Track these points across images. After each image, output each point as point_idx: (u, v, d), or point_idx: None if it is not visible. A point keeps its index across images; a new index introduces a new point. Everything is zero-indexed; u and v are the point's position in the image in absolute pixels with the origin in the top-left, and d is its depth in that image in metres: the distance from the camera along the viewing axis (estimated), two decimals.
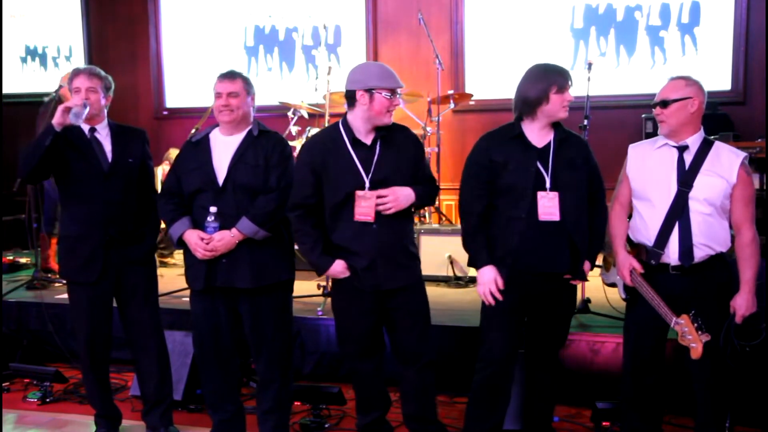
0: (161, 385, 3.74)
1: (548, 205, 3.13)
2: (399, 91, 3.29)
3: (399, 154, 3.32)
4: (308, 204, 3.28)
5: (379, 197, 3.22)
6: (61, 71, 8.39)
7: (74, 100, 3.44)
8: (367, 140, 3.30)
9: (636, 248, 3.16)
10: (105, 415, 3.78)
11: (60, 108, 3.39)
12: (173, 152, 6.56)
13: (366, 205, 3.23)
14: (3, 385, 4.54)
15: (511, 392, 3.39)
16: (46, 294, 5.25)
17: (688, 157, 3.06)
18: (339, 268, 3.27)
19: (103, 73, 3.58)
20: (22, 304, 5.08)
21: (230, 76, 3.39)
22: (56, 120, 3.38)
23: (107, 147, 3.56)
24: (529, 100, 3.17)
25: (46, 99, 5.79)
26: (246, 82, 3.40)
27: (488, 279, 3.18)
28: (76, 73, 3.55)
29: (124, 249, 3.57)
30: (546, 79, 3.14)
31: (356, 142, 3.28)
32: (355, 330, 3.37)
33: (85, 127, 3.55)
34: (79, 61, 8.44)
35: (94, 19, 8.47)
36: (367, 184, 3.23)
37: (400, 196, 3.25)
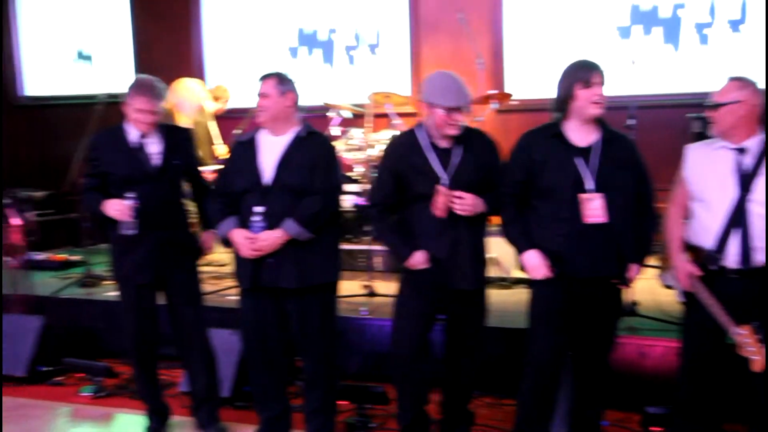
0: (208, 382, 3.81)
1: (593, 207, 3.12)
2: (463, 105, 3.29)
3: (476, 158, 3.36)
4: (388, 203, 3.41)
5: (455, 197, 3.27)
6: (109, 73, 8.56)
7: (122, 211, 3.48)
8: (444, 144, 3.35)
9: (694, 251, 3.12)
10: (155, 410, 3.86)
11: (111, 212, 3.50)
12: (221, 88, 6.58)
13: (444, 202, 3.27)
14: (57, 379, 4.66)
15: (558, 396, 3.38)
16: (97, 291, 5.38)
17: (747, 160, 3.01)
18: (420, 258, 3.32)
19: (161, 87, 3.63)
20: (74, 301, 5.22)
21: (264, 77, 3.45)
22: (106, 211, 3.51)
23: (156, 150, 3.62)
24: (559, 98, 3.19)
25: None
26: (280, 82, 3.40)
27: (536, 263, 3.18)
28: (138, 92, 3.56)
29: (172, 248, 3.65)
30: (571, 75, 3.15)
31: (433, 145, 3.34)
32: (417, 327, 3.41)
33: (137, 134, 3.62)
34: (128, 62, 8.60)
35: (141, 20, 8.61)
36: (447, 183, 3.29)
37: (476, 202, 3.29)
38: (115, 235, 3.61)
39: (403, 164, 3.36)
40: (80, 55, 8.20)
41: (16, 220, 5.16)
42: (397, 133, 5.60)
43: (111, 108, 6.50)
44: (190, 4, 8.38)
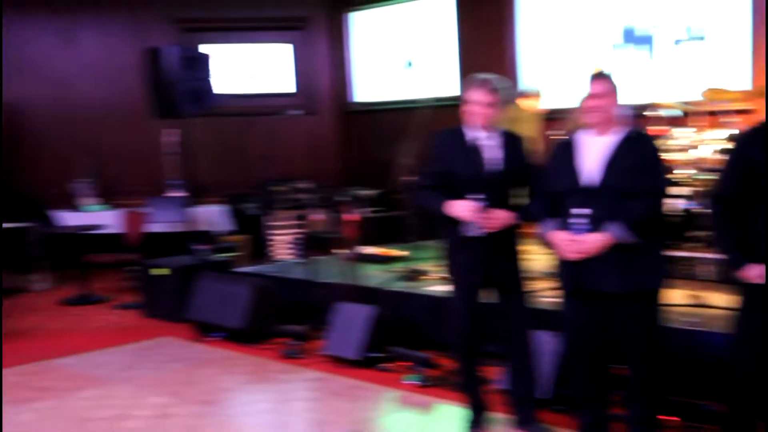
0: (529, 381, 3.83)
1: None
2: None
3: None
4: (730, 195, 3.17)
5: None
6: (434, 79, 9.03)
7: (473, 213, 3.56)
8: None
9: None
10: (474, 404, 3.97)
11: (461, 213, 3.58)
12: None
13: None
14: (383, 365, 5.00)
15: None
16: (418, 285, 5.67)
17: None
18: (756, 272, 3.06)
19: (500, 84, 3.69)
20: (401, 294, 5.54)
21: (595, 77, 3.36)
22: (452, 212, 3.60)
23: (492, 154, 3.67)
24: None
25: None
26: (610, 81, 3.34)
27: None
28: (474, 85, 3.66)
29: (503, 249, 3.70)
30: None
31: None
32: (760, 349, 3.12)
33: (477, 135, 3.71)
34: (453, 67, 8.99)
35: (465, 27, 8.96)
36: None
37: None
38: (451, 233, 3.73)
39: (750, 158, 3.08)
40: (408, 63, 8.77)
41: (352, 216, 5.63)
42: (735, 131, 5.19)
43: (435, 111, 6.87)
44: (505, 8, 8.53)
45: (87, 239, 7.90)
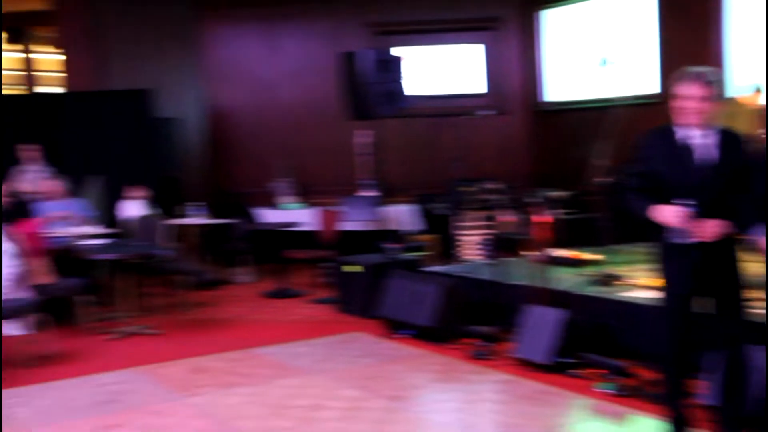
0: (740, 399, 3.55)
1: None
2: None
3: None
4: None
5: None
6: (632, 76, 8.65)
7: (681, 219, 3.37)
8: None
9: None
10: (675, 418, 3.74)
11: (668, 218, 3.40)
12: None
13: None
14: (573, 371, 4.84)
15: None
16: (611, 291, 5.45)
17: None
18: None
19: (713, 77, 3.44)
20: (595, 298, 5.35)
21: None
22: (658, 218, 3.42)
23: (707, 154, 3.44)
24: None
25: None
26: None
27: None
28: (683, 79, 3.44)
29: (719, 256, 3.47)
30: None
31: None
32: None
33: (695, 133, 3.48)
34: (652, 64, 8.58)
35: (667, 23, 8.52)
36: None
37: None
38: (661, 239, 3.55)
39: None
40: (603, 61, 8.49)
41: (543, 218, 5.51)
42: None
43: (631, 111, 6.59)
44: (711, 3, 8.03)
45: (285, 236, 8.36)
